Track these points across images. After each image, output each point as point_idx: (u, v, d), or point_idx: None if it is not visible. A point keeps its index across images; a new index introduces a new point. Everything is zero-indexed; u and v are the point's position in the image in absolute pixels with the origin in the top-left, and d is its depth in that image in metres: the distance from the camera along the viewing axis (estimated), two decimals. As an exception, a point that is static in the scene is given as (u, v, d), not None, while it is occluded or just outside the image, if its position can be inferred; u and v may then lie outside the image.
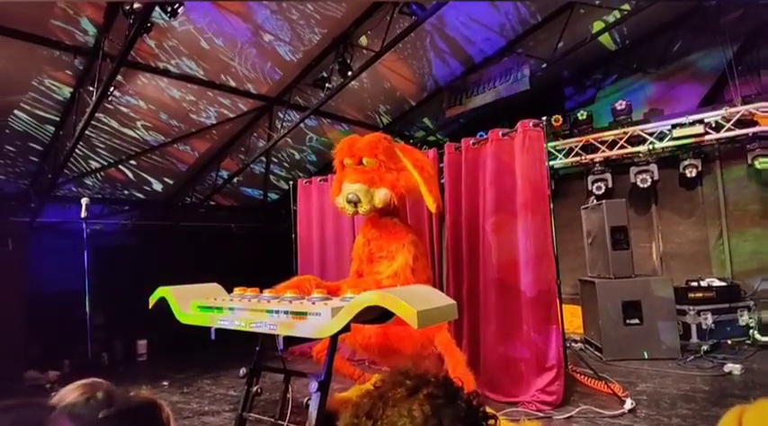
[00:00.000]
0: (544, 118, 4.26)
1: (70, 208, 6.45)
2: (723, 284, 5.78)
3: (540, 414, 3.68)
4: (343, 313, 2.29)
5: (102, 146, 6.16)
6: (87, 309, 3.99)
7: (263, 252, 7.97)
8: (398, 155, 3.59)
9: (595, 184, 6.88)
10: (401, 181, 3.53)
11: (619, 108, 6.80)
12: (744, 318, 5.51)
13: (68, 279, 5.23)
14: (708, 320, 5.42)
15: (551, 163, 7.23)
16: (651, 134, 6.49)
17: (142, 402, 0.82)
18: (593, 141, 6.91)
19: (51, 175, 5.90)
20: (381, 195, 3.47)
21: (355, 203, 3.48)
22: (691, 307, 5.47)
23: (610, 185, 6.83)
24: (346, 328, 2.50)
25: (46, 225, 6.50)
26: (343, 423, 0.96)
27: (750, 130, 5.89)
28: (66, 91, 5.14)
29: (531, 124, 4.27)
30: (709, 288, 5.67)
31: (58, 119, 5.46)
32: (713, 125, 6.10)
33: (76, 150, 5.78)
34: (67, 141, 5.39)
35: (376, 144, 3.53)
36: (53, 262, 5.87)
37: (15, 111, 5.22)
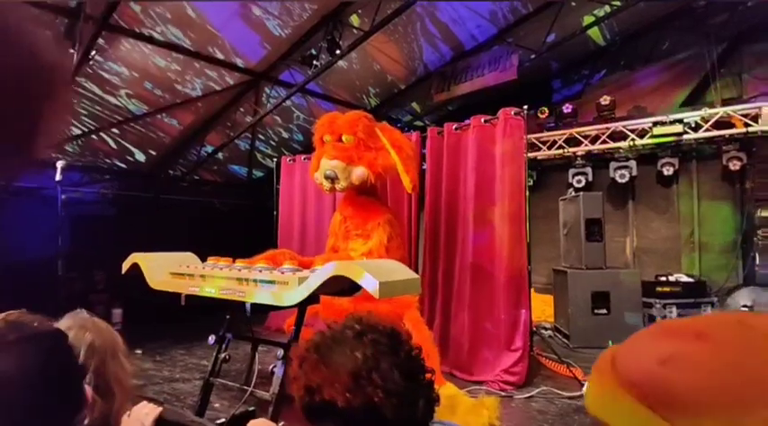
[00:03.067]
0: (525, 106, 4.30)
1: (46, 174, 6.34)
2: (690, 280, 5.97)
3: (503, 393, 3.80)
4: (308, 282, 2.34)
5: (83, 112, 6.06)
6: (60, 274, 3.96)
7: (245, 230, 7.95)
8: (378, 134, 3.62)
9: (576, 177, 6.99)
10: (379, 160, 3.56)
11: (603, 103, 6.89)
12: (707, 313, 5.70)
13: (44, 245, 5.18)
14: (672, 313, 5.61)
15: (535, 154, 7.33)
16: (633, 131, 6.59)
17: (48, 330, 0.84)
18: (576, 135, 7.00)
19: (29, 139, 5.80)
20: (359, 173, 3.51)
21: (332, 179, 3.51)
22: (657, 301, 5.65)
23: (590, 179, 6.95)
24: (314, 299, 2.56)
25: (22, 190, 6.40)
26: (295, 355, 1.04)
27: (726, 132, 6.02)
28: (47, 52, 5.03)
29: (512, 112, 4.33)
30: (677, 283, 5.86)
31: (37, 80, 5.35)
32: (692, 125, 6.22)
33: (56, 114, 5.69)
34: (47, 104, 5.30)
35: (356, 121, 3.56)
36: (28, 228, 5.80)
37: (-7, 71, 5.10)
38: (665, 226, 6.87)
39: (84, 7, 4.41)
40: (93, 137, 6.56)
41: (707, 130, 6.09)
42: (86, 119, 6.20)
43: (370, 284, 2.10)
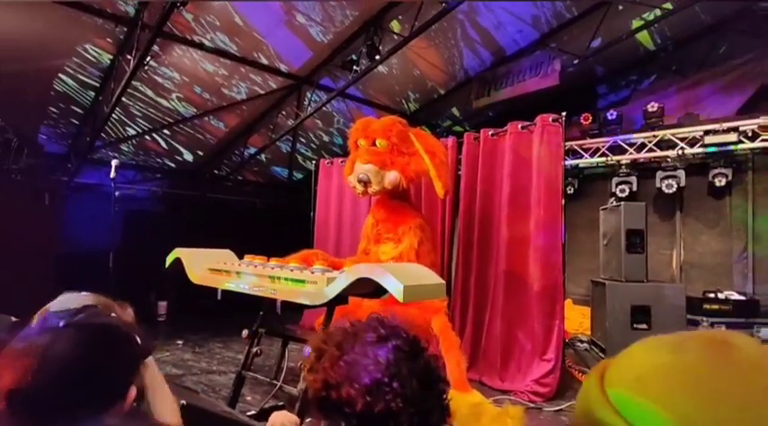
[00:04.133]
0: (564, 113, 4.22)
1: (106, 171, 6.79)
2: (741, 298, 5.63)
3: (531, 405, 3.73)
4: (336, 282, 2.40)
5: (138, 114, 6.46)
6: (111, 265, 4.23)
7: (283, 230, 8.18)
8: (411, 139, 3.66)
9: (619, 187, 6.75)
10: (412, 165, 3.60)
11: (650, 110, 6.61)
12: (760, 334, 5.36)
13: (99, 238, 5.56)
14: (721, 333, 5.30)
15: (576, 161, 7.14)
16: (682, 139, 6.30)
17: (108, 324, 0.87)
18: (620, 142, 6.76)
19: (90, 138, 6.24)
20: (391, 177, 3.56)
21: (365, 183, 3.58)
22: (705, 319, 5.37)
23: (634, 188, 6.69)
24: (342, 299, 2.63)
25: (82, 185, 6.89)
26: (311, 344, 1.07)
27: (787, 142, 5.65)
28: (107, 58, 5.40)
29: (550, 119, 4.26)
30: (726, 300, 5.54)
31: (98, 85, 5.75)
32: (749, 134, 5.87)
33: (114, 116, 6.09)
34: (106, 106, 5.69)
35: (390, 126, 3.61)
36: (86, 221, 6.24)
37: (60, 75, 5.52)
38: (715, 239, 6.50)
39: (142, 17, 4.71)
40: (147, 137, 6.97)
41: (764, 140, 5.73)
42: (141, 121, 6.59)
43: (394, 287, 2.14)
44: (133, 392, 0.88)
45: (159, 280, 6.76)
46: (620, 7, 6.02)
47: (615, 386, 0.49)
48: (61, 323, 0.82)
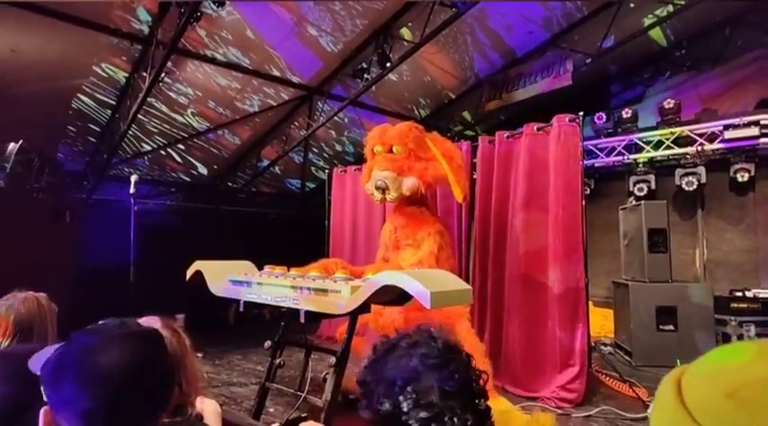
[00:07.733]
0: (581, 113, 4.17)
1: (122, 187, 6.88)
2: (771, 296, 5.47)
3: (559, 411, 3.64)
4: (361, 291, 2.38)
5: (154, 130, 6.54)
6: (131, 279, 4.26)
7: (297, 239, 8.17)
8: (428, 145, 3.63)
9: (637, 185, 6.65)
10: (429, 171, 3.57)
11: (666, 107, 6.53)
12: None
13: (116, 253, 5.60)
14: (751, 332, 5.16)
15: (592, 161, 7.05)
16: (701, 135, 6.19)
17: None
18: (637, 141, 6.67)
19: (106, 156, 6.32)
20: (409, 183, 3.53)
21: (383, 190, 3.55)
22: (732, 318, 5.22)
23: (653, 187, 6.58)
24: (365, 308, 2.60)
25: (99, 202, 6.96)
26: (366, 358, 1.10)
27: (811, 134, 5.52)
28: (122, 76, 5.49)
29: (566, 119, 4.20)
30: (755, 299, 5.39)
31: (114, 102, 5.84)
32: (770, 127, 5.76)
33: (130, 133, 6.17)
34: (123, 123, 5.77)
35: (406, 133, 3.59)
36: (104, 237, 6.28)
37: (78, 94, 5.62)
38: (739, 237, 6.35)
39: (156, 34, 4.78)
40: (162, 152, 7.05)
41: (787, 133, 5.62)
42: (157, 137, 6.67)
43: (421, 294, 2.11)
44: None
45: (177, 293, 6.78)
46: (632, 5, 5.97)
47: (701, 402, 0.45)
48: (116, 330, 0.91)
